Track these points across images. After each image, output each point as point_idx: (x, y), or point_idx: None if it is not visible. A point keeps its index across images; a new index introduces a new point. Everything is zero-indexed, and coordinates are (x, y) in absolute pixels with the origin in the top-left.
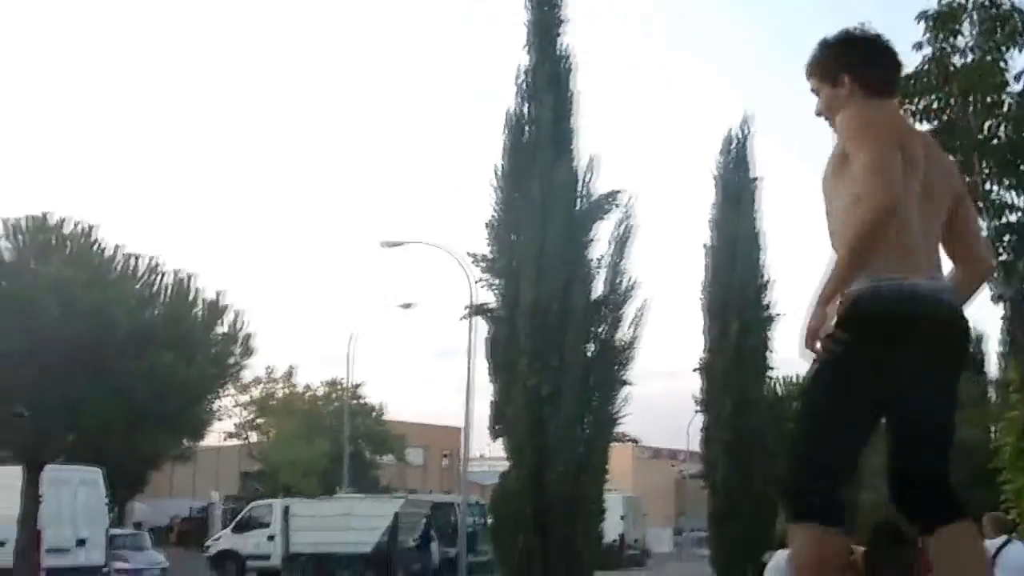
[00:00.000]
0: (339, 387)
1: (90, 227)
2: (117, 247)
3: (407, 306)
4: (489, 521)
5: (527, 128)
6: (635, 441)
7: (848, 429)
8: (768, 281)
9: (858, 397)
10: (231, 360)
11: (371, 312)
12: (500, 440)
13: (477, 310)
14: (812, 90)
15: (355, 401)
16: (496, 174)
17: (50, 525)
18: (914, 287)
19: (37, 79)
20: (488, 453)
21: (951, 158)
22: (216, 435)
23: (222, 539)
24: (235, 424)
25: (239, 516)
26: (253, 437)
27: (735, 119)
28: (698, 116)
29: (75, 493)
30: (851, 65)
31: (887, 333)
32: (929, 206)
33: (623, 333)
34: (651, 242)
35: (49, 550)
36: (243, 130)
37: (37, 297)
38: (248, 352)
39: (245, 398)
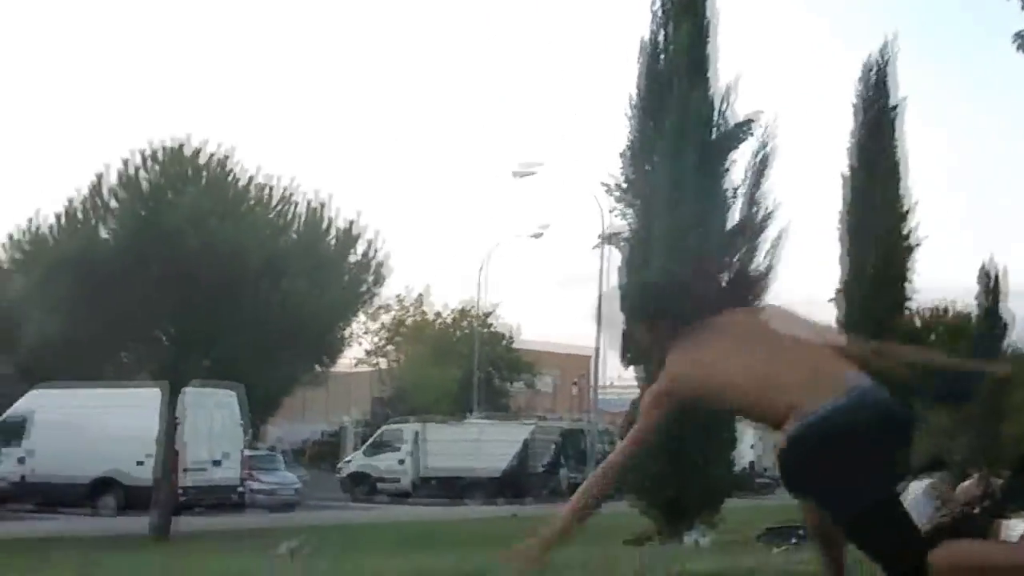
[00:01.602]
0: (469, 313)
1: (225, 156)
2: (251, 176)
3: (539, 233)
4: None
5: (662, 55)
6: None
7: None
8: (908, 210)
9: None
10: (363, 287)
11: (503, 238)
12: (632, 367)
13: (610, 238)
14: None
15: (486, 329)
16: (630, 102)
17: (188, 445)
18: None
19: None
20: (618, 380)
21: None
22: (348, 361)
23: (354, 461)
24: (366, 350)
25: (371, 438)
26: (383, 363)
27: (877, 43)
28: (838, 39)
29: (212, 414)
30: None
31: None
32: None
33: (759, 262)
34: (788, 169)
35: (187, 469)
36: (377, 52)
37: (176, 227)
38: (380, 280)
39: (376, 324)
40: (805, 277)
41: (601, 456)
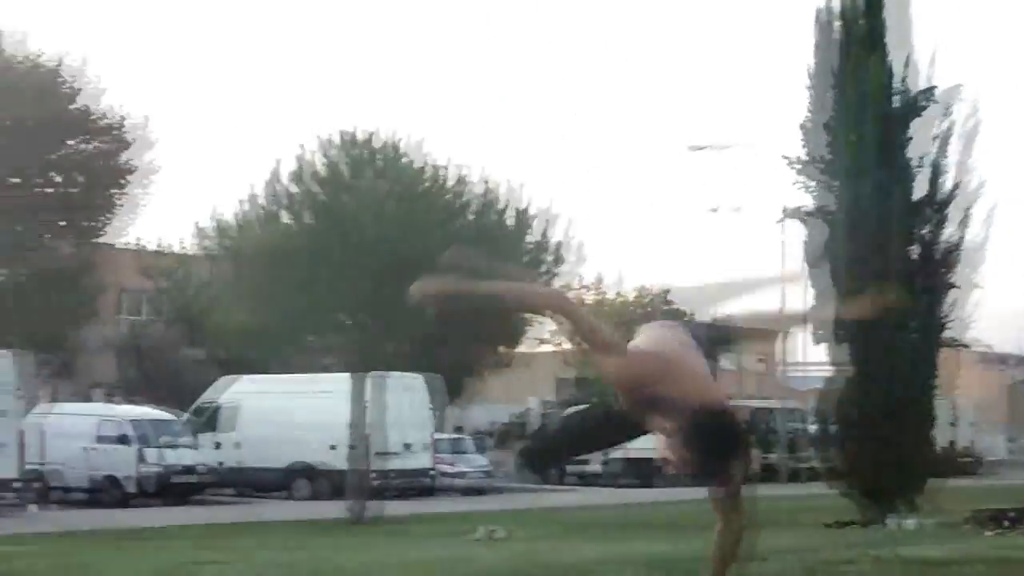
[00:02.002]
0: (648, 293)
1: (399, 140)
2: (426, 160)
3: (715, 209)
4: (814, 427)
5: (838, 24)
6: (965, 346)
7: None
8: None
9: None
10: (543, 268)
11: (680, 216)
12: (821, 345)
13: (792, 213)
14: None
15: (665, 306)
16: (808, 73)
17: (377, 430)
18: None
19: None
20: (804, 358)
21: None
22: (530, 342)
23: None
24: (548, 331)
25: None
26: (566, 344)
27: None
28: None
29: (401, 400)
30: None
31: None
32: None
33: (949, 234)
34: (981, 138)
35: (377, 454)
36: (547, 34)
37: (353, 211)
38: (560, 259)
39: None
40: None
41: (792, 437)
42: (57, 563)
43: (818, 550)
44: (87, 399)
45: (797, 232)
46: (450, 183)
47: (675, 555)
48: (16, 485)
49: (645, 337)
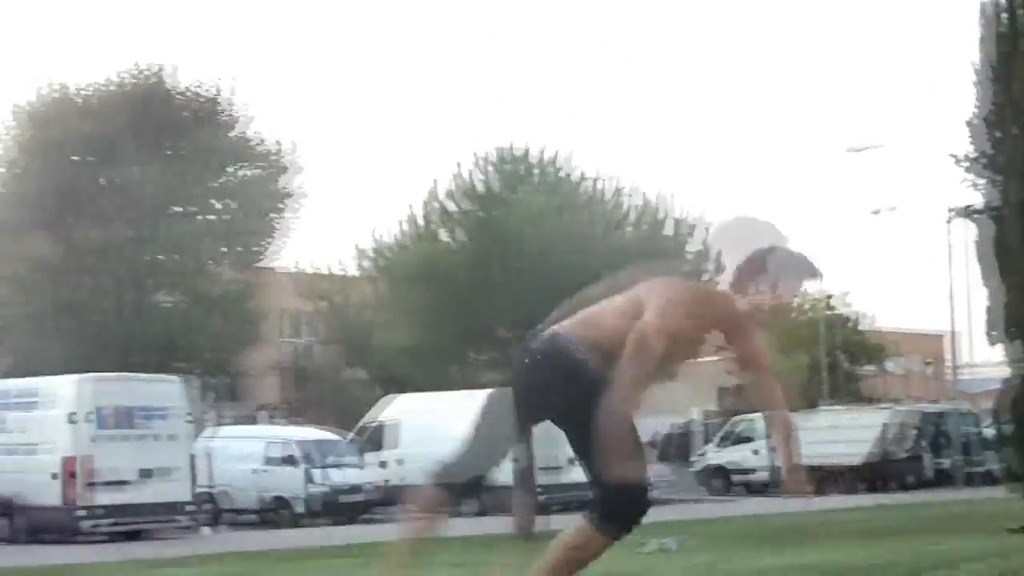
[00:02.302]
0: (812, 298)
1: (556, 155)
2: (583, 174)
3: (877, 211)
4: (989, 429)
5: (1005, 16)
6: None
7: None
8: None
9: None
10: (705, 276)
11: (841, 219)
12: (998, 346)
13: (962, 212)
14: None
15: (829, 311)
16: (974, 69)
17: (542, 444)
18: None
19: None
20: (974, 359)
21: None
22: None
23: (707, 454)
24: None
25: (722, 431)
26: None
27: None
28: None
29: None
30: None
31: None
32: None
33: None
34: None
35: (543, 468)
36: (698, 39)
37: (512, 226)
38: (720, 268)
39: None
40: None
41: (966, 440)
42: None
43: (1008, 556)
44: (253, 421)
45: (967, 231)
46: (608, 195)
47: (850, 564)
48: (189, 508)
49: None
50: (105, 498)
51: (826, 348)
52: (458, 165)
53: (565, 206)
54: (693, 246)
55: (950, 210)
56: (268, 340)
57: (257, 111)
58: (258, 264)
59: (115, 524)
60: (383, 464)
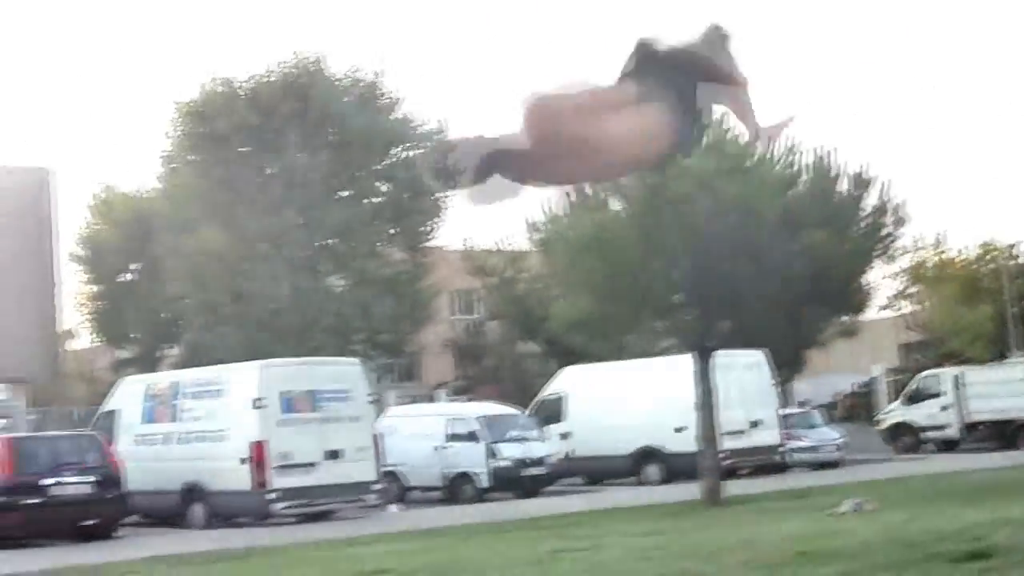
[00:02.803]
0: (994, 248)
1: (724, 116)
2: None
3: None
4: None
5: None
6: None
7: None
8: None
9: None
10: (884, 231)
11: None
12: None
13: None
14: None
15: (1012, 261)
16: None
17: (722, 409)
18: None
19: None
20: None
21: None
22: (869, 309)
23: (893, 412)
24: (887, 296)
25: (907, 388)
26: (906, 308)
27: None
28: None
29: (743, 377)
30: None
31: None
32: None
33: None
34: None
35: (724, 433)
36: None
37: (684, 192)
38: (901, 221)
39: (894, 268)
40: None
41: None
42: (429, 560)
43: None
44: (431, 400)
45: None
46: (778, 153)
47: None
48: (376, 487)
49: None
50: (293, 480)
51: (1012, 298)
52: None
53: (736, 168)
54: (869, 201)
55: None
56: (441, 319)
57: (413, 91)
58: (427, 244)
59: (304, 505)
60: (564, 436)
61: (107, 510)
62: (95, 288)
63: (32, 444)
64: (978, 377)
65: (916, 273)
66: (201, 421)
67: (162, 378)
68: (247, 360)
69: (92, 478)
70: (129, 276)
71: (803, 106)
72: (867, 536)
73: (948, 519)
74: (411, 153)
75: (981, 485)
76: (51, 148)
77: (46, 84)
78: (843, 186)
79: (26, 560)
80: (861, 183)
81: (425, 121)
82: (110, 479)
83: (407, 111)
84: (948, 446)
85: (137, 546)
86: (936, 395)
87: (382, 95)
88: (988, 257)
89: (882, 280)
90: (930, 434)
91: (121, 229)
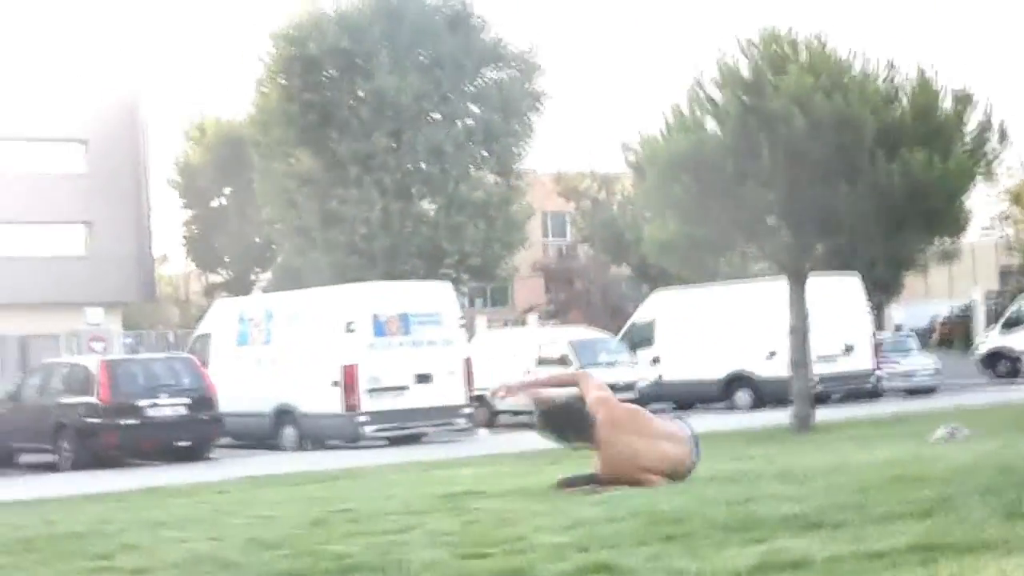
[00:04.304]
0: None
1: (821, 33)
2: (851, 50)
3: None
4: None
5: None
6: None
7: None
8: None
9: None
10: (987, 150)
11: None
12: None
13: None
14: None
15: None
16: None
17: (817, 335)
18: None
19: None
20: None
21: None
22: (969, 232)
23: (991, 338)
24: (988, 218)
25: (1006, 313)
26: (1008, 231)
27: None
28: None
29: (836, 302)
30: None
31: None
32: None
33: None
34: None
35: (819, 358)
36: None
37: (782, 109)
38: (1005, 139)
39: (996, 190)
40: None
41: None
42: (520, 483)
43: None
44: (523, 324)
45: None
46: (879, 71)
47: None
48: (466, 411)
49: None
50: (385, 404)
51: None
52: (722, 51)
53: (834, 86)
54: (973, 119)
55: None
56: (532, 242)
57: (502, 13)
58: (519, 167)
59: (395, 429)
60: (655, 360)
61: (201, 432)
62: (189, 213)
63: (128, 366)
64: None
65: (1018, 194)
66: (293, 344)
67: (255, 301)
68: (338, 284)
69: (186, 400)
70: (222, 201)
71: (906, 22)
72: (963, 461)
73: None
74: (503, 75)
75: None
76: (146, 74)
77: (141, 8)
78: (945, 104)
79: (122, 479)
80: (963, 100)
81: (513, 42)
82: (204, 401)
83: (497, 33)
84: None
85: (230, 467)
86: None
87: (472, 15)
88: None
89: (984, 202)
90: None
91: (214, 154)
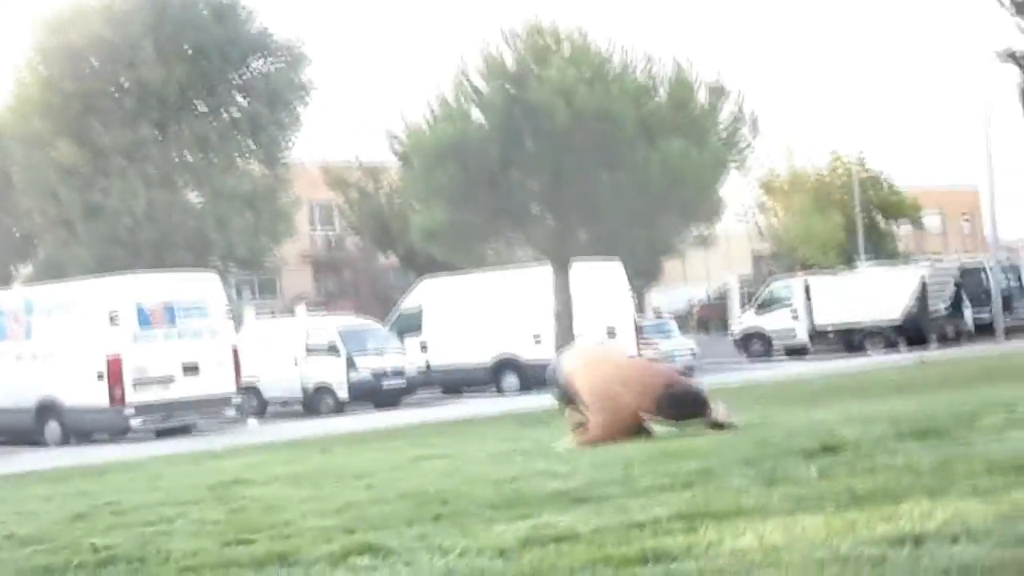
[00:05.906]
0: (842, 159)
1: (582, 27)
2: (611, 44)
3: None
4: None
5: None
6: None
7: None
8: None
9: None
10: (741, 142)
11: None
12: None
13: (1009, 56)
14: None
15: (865, 172)
16: None
17: (580, 319)
18: None
19: None
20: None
21: None
22: (723, 219)
23: (745, 320)
24: (741, 205)
25: (759, 296)
26: (759, 219)
27: None
28: None
29: (599, 287)
30: None
31: None
32: None
33: None
34: None
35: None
36: None
37: (545, 101)
38: (757, 131)
39: (748, 179)
40: None
41: (1006, 295)
42: (289, 470)
43: None
44: (291, 313)
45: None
46: (637, 64)
47: (906, 410)
48: (235, 401)
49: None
50: (152, 395)
51: (862, 207)
52: (486, 41)
53: (595, 78)
54: (726, 111)
55: (997, 53)
56: (300, 233)
57: (268, 3)
58: (285, 157)
59: (163, 420)
60: (424, 347)
61: None
62: None
63: None
64: (826, 285)
65: (769, 184)
66: (55, 338)
67: (13, 294)
68: (104, 275)
69: None
70: None
71: (662, 17)
72: (723, 436)
73: (798, 419)
74: (270, 67)
75: (828, 388)
76: None
77: None
78: (700, 97)
79: None
80: (717, 92)
81: (279, 32)
82: None
83: (263, 23)
84: (797, 352)
85: None
86: (787, 303)
87: (238, 6)
88: (838, 168)
89: (736, 190)
90: (781, 341)
91: None
